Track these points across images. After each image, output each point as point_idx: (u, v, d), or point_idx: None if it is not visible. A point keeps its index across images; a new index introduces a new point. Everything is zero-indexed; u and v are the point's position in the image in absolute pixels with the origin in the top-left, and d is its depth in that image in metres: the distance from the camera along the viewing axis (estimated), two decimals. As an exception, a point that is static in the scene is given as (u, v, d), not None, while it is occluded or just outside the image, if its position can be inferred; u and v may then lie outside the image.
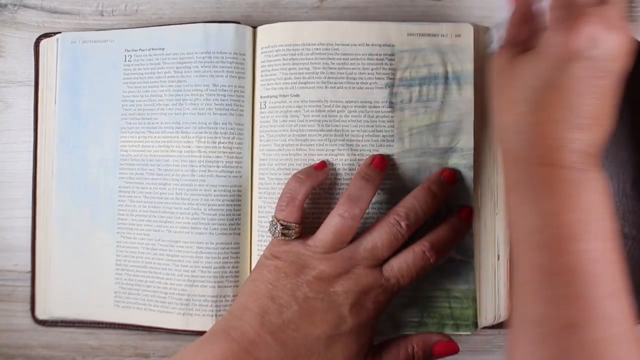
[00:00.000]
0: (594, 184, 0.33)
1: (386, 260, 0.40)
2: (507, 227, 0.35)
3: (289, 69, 0.45)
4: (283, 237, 0.41)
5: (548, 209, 0.33)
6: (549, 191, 0.33)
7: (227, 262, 0.46)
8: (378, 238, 0.40)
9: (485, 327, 0.45)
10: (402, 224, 0.40)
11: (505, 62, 0.36)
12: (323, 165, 0.44)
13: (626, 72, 0.33)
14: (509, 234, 0.36)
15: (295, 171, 0.43)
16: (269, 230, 0.42)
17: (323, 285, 0.39)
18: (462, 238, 0.43)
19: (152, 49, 0.47)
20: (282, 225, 0.41)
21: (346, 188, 0.42)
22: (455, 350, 0.42)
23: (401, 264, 0.40)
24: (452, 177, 0.43)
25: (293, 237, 0.41)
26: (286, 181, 0.43)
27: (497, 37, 0.41)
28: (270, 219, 0.42)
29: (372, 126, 0.45)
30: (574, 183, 0.32)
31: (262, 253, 0.45)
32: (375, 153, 0.44)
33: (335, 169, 0.44)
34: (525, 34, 0.37)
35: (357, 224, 0.40)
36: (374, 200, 0.44)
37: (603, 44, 0.31)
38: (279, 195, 0.42)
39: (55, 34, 0.49)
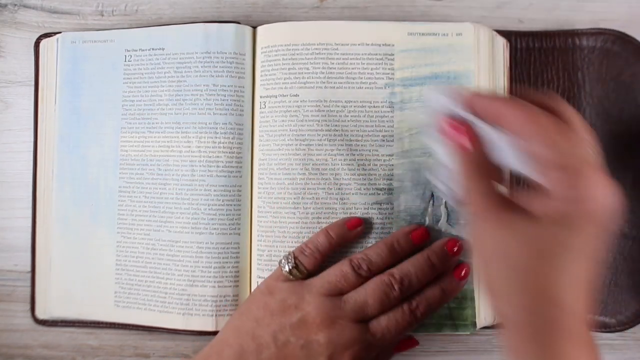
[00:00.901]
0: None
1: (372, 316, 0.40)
2: None
3: (289, 69, 0.45)
4: (289, 274, 0.41)
5: None
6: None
7: (227, 262, 0.46)
8: (370, 295, 0.39)
9: (484, 327, 0.45)
10: (396, 287, 0.40)
11: (497, 222, 0.31)
12: (357, 224, 0.43)
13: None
14: None
15: (295, 171, 0.44)
16: (280, 261, 0.42)
17: (306, 331, 0.39)
18: (453, 297, 0.42)
19: (152, 49, 0.47)
20: (295, 263, 0.41)
21: (372, 245, 0.43)
22: (414, 344, 0.43)
23: (390, 321, 0.40)
24: (455, 249, 0.42)
25: (296, 279, 0.41)
26: (286, 181, 0.43)
27: (435, 101, 0.36)
28: (286, 253, 0.42)
29: (372, 126, 0.45)
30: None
31: (260, 254, 0.45)
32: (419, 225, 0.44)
33: (335, 169, 0.44)
34: (492, 186, 0.33)
35: (360, 282, 0.40)
36: (372, 200, 0.44)
37: (609, 205, 0.29)
38: (306, 240, 0.43)
39: (55, 33, 0.49)
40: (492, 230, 0.31)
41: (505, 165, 0.33)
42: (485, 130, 0.33)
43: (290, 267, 0.41)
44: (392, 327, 0.39)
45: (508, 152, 0.32)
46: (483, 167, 0.33)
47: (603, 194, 0.29)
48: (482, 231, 0.32)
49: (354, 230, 0.43)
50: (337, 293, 0.40)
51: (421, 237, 0.43)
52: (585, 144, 0.31)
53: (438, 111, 0.35)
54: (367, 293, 0.40)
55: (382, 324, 0.40)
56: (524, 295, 0.30)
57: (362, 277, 0.40)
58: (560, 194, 0.29)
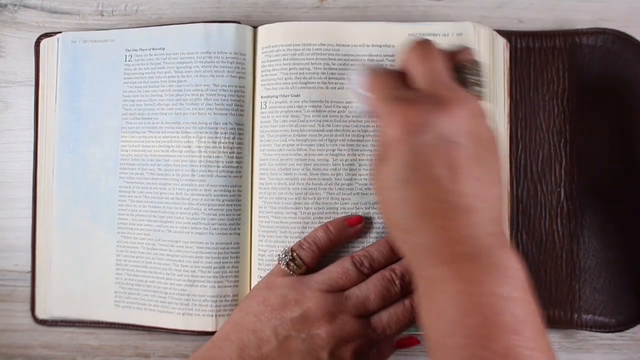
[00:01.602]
0: (500, 272, 0.29)
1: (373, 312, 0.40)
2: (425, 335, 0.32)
3: (290, 69, 0.45)
4: (287, 269, 0.41)
5: (466, 306, 0.29)
6: (465, 288, 0.29)
7: (227, 262, 0.46)
8: (372, 291, 0.40)
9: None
10: (397, 282, 0.40)
11: (374, 176, 0.33)
12: (358, 221, 0.44)
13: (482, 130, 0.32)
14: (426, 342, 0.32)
15: (296, 171, 0.44)
16: (278, 256, 0.42)
17: (307, 325, 0.39)
18: None
19: (153, 49, 0.47)
20: (292, 257, 0.42)
21: (373, 243, 0.43)
22: (415, 343, 0.43)
23: (391, 316, 0.40)
24: None
25: (296, 274, 0.42)
26: (287, 181, 0.43)
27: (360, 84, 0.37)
28: (285, 249, 0.43)
29: (373, 126, 0.45)
30: (476, 280, 0.29)
31: (262, 254, 0.45)
32: None
33: (336, 169, 0.44)
34: None
35: (361, 279, 0.40)
36: (373, 200, 0.44)
37: (446, 130, 0.30)
38: (306, 234, 0.43)
39: (55, 33, 0.49)
40: (373, 184, 0.35)
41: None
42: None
43: (287, 260, 0.42)
44: (393, 323, 0.40)
45: None
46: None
47: (424, 121, 0.30)
48: (372, 173, 0.35)
49: (353, 228, 0.43)
50: (338, 289, 0.40)
51: None
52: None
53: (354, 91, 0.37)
54: (369, 288, 0.40)
55: (384, 319, 0.40)
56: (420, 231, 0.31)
57: (363, 274, 0.41)
58: (382, 125, 0.32)
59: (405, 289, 0.40)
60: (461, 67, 0.35)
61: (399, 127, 0.31)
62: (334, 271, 0.41)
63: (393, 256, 0.42)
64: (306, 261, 0.42)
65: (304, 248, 0.42)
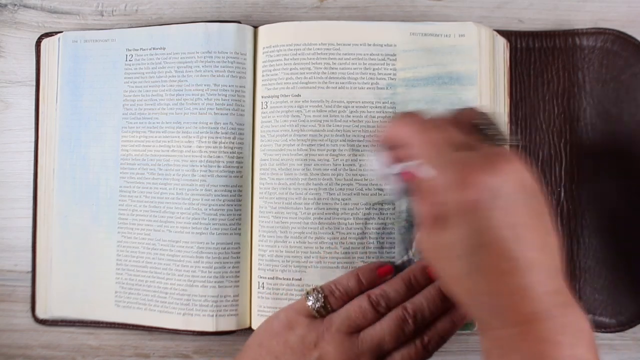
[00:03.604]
0: (573, 332, 0.29)
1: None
2: None
3: (291, 69, 0.45)
4: (316, 313, 0.41)
5: None
6: (541, 349, 0.29)
7: (227, 262, 0.46)
8: (387, 332, 0.40)
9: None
10: (410, 321, 0.40)
11: (427, 242, 0.33)
12: (389, 272, 0.44)
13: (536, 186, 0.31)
14: None
15: (297, 171, 0.44)
16: (307, 293, 0.42)
17: None
18: (462, 324, 0.42)
19: (153, 49, 0.47)
20: (324, 303, 0.41)
21: (389, 280, 0.42)
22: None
23: (403, 358, 0.40)
24: None
25: (320, 316, 0.41)
26: (288, 181, 0.43)
27: (376, 166, 0.39)
28: (315, 286, 0.42)
29: (374, 127, 0.45)
30: (552, 341, 0.29)
31: (262, 254, 0.45)
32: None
33: (337, 169, 0.45)
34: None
35: (377, 318, 0.40)
36: (374, 201, 0.44)
37: (502, 187, 0.30)
38: (336, 278, 0.43)
39: (55, 33, 0.49)
40: (424, 250, 0.34)
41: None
42: (411, 165, 0.35)
43: (319, 306, 0.41)
44: None
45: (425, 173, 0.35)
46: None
47: (492, 184, 0.30)
48: (423, 250, 0.35)
49: (383, 278, 0.43)
50: (356, 329, 0.40)
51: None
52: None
53: (380, 173, 0.39)
54: (384, 329, 0.40)
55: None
56: (485, 296, 0.31)
57: (379, 314, 0.41)
58: (447, 190, 0.31)
59: (418, 326, 0.40)
60: (476, 125, 0.35)
61: (461, 192, 0.30)
62: (352, 311, 0.41)
63: (409, 294, 0.42)
64: (335, 308, 0.41)
65: (336, 297, 0.42)
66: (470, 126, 0.34)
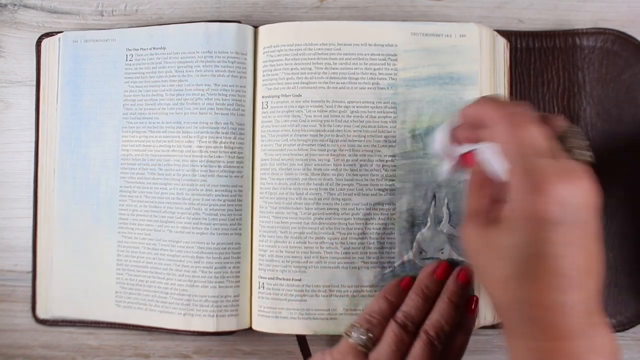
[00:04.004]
0: (603, 353, 0.30)
1: None
2: None
3: (291, 69, 0.45)
4: (360, 344, 0.41)
5: None
6: None
7: (227, 263, 0.46)
8: (422, 357, 0.40)
9: (484, 327, 0.45)
10: (436, 342, 0.40)
11: (475, 236, 0.34)
12: (410, 282, 0.44)
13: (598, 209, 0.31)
14: None
15: (297, 171, 0.44)
16: (346, 333, 0.41)
17: None
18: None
19: (154, 48, 0.47)
20: (369, 337, 0.41)
21: (407, 298, 0.43)
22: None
23: None
24: (467, 278, 0.43)
25: (367, 350, 0.41)
26: (288, 181, 0.43)
27: (440, 141, 0.39)
28: (351, 324, 0.42)
29: (375, 127, 0.45)
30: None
31: (262, 254, 0.45)
32: (442, 259, 0.45)
33: (337, 169, 0.45)
34: (486, 201, 0.35)
35: (410, 339, 0.41)
36: (374, 201, 0.44)
37: (573, 204, 0.30)
38: (365, 308, 0.43)
39: (55, 33, 0.49)
40: (469, 243, 0.35)
41: (496, 177, 0.35)
42: (480, 150, 0.36)
43: (365, 339, 0.41)
44: None
45: (495, 162, 0.34)
46: (478, 185, 0.36)
47: (566, 198, 0.30)
48: (466, 243, 0.35)
49: (407, 290, 0.43)
50: (401, 357, 0.40)
51: (444, 272, 0.43)
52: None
53: (442, 148, 0.39)
54: (420, 355, 0.40)
55: None
56: (520, 303, 0.31)
57: (410, 333, 0.41)
58: (520, 197, 0.31)
59: (443, 341, 0.41)
60: (562, 134, 0.34)
61: (533, 197, 0.30)
62: (391, 340, 0.40)
63: (427, 306, 0.42)
64: (379, 336, 0.41)
65: (374, 324, 0.41)
66: (556, 133, 0.34)
